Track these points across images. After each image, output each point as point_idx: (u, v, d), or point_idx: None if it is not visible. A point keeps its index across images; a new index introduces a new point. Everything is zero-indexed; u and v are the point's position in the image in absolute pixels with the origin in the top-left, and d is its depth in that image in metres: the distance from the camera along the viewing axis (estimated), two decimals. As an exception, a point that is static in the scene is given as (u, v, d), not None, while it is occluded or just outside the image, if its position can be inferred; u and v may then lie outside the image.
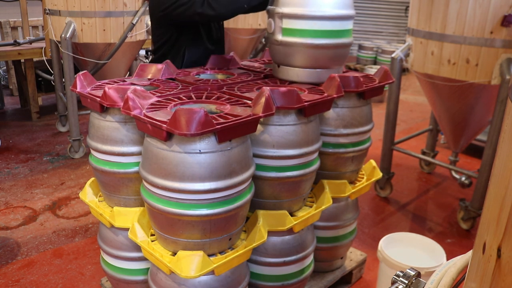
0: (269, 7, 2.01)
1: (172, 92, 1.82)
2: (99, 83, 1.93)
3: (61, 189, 3.50)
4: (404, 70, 6.52)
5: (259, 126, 1.72)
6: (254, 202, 1.82)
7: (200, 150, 1.46)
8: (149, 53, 5.98)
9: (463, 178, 3.35)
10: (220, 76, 2.22)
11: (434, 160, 3.61)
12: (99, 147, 1.77)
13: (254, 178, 1.75)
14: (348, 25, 1.98)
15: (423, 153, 4.02)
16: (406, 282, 0.99)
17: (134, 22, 3.84)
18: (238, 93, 1.83)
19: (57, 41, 3.98)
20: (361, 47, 7.71)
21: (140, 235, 1.72)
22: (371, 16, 8.66)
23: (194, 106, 1.63)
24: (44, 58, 4.61)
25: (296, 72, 2.00)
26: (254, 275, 1.96)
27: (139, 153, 1.73)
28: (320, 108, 1.84)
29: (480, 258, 0.63)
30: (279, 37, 1.96)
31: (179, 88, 1.90)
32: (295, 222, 1.85)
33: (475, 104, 2.98)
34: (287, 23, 1.93)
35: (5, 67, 6.15)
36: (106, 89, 1.66)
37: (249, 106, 1.62)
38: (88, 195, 2.01)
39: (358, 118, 2.06)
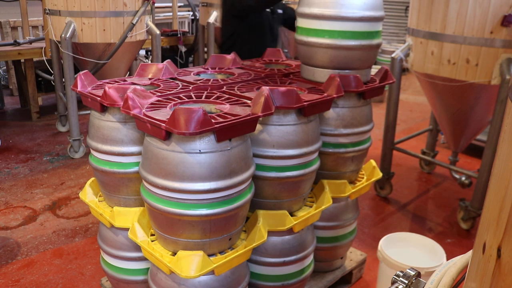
0: (298, 8, 2.02)
1: (172, 92, 1.82)
2: (100, 83, 1.93)
3: (61, 189, 3.50)
4: (404, 70, 6.52)
5: (259, 126, 1.72)
6: (254, 202, 1.82)
7: (200, 150, 1.46)
8: (149, 53, 5.99)
9: (463, 178, 3.35)
10: (220, 76, 2.22)
11: (434, 160, 3.61)
12: (99, 147, 1.77)
13: (254, 178, 1.75)
14: (378, 26, 1.97)
15: (423, 153, 4.02)
16: (406, 282, 0.99)
17: (134, 22, 3.84)
18: (238, 92, 1.83)
19: (57, 41, 3.98)
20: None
21: (140, 235, 1.72)
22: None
23: (194, 106, 1.63)
24: (44, 58, 4.61)
25: (324, 73, 2.01)
26: (254, 275, 1.96)
27: (139, 153, 1.73)
28: (320, 108, 1.84)
29: (480, 258, 0.63)
30: (310, 38, 1.96)
31: (179, 87, 1.90)
32: (295, 222, 1.85)
33: (475, 104, 2.97)
34: (316, 24, 1.93)
35: (5, 67, 6.15)
36: (106, 88, 1.66)
37: (249, 106, 1.62)
38: (88, 195, 2.01)
39: (358, 118, 2.06)
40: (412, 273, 1.00)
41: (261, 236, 1.72)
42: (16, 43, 4.85)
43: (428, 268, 1.97)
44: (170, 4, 6.49)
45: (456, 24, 2.72)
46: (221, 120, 1.45)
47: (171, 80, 2.06)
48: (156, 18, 6.39)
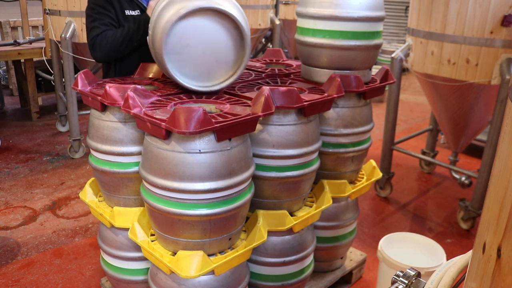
0: (298, 8, 2.01)
1: (172, 92, 1.82)
2: (100, 82, 1.93)
3: (61, 189, 3.50)
4: (404, 70, 6.52)
5: (259, 126, 1.72)
6: (254, 202, 1.82)
7: (200, 150, 1.46)
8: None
9: (463, 178, 3.35)
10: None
11: (434, 160, 3.61)
12: (99, 147, 1.77)
13: (254, 178, 1.75)
14: (378, 26, 1.97)
15: (423, 153, 4.02)
16: (406, 282, 0.99)
17: (134, 22, 3.83)
18: (239, 92, 1.84)
19: (57, 41, 3.98)
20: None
21: (140, 235, 1.72)
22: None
23: (194, 105, 1.63)
24: (44, 58, 4.61)
25: (324, 73, 2.01)
26: (254, 275, 1.96)
27: (139, 153, 1.73)
28: (320, 108, 1.84)
29: (480, 258, 0.63)
30: (311, 38, 1.96)
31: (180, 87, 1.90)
32: (295, 222, 1.85)
33: (475, 104, 2.97)
34: (316, 24, 1.93)
35: (5, 67, 6.15)
36: (107, 87, 1.66)
37: (249, 106, 1.62)
38: (88, 195, 2.01)
39: (358, 118, 2.06)
40: (412, 273, 1.00)
41: (261, 236, 1.72)
42: (16, 43, 4.85)
43: (428, 268, 1.97)
44: (170, 4, 6.48)
45: (456, 24, 2.72)
46: (221, 119, 1.45)
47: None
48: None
